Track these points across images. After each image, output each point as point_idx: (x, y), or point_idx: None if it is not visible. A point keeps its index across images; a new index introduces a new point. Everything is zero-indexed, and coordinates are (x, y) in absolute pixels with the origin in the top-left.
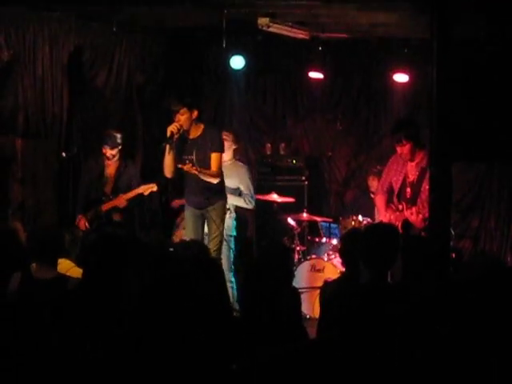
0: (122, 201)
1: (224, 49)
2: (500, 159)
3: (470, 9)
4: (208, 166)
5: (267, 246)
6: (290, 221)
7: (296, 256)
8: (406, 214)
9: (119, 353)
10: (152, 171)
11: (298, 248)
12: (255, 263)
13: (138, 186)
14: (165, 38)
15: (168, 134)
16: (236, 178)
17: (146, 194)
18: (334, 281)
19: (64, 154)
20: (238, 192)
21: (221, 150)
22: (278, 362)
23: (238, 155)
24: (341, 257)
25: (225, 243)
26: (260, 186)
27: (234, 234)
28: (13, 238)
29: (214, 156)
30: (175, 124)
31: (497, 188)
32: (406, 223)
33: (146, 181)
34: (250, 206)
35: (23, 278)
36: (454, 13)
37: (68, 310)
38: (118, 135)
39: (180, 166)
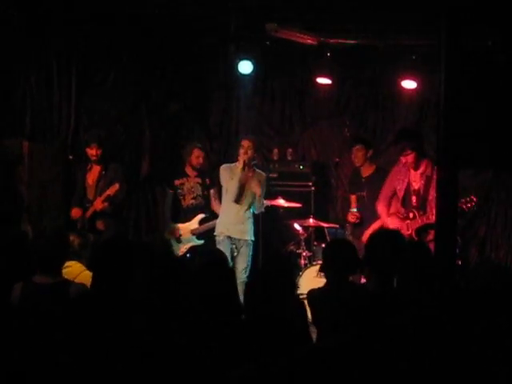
0: (98, 203)
1: (232, 54)
2: (507, 167)
3: (479, 17)
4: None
5: (270, 257)
6: (297, 226)
7: (302, 261)
8: (430, 218)
9: (126, 355)
10: (158, 174)
11: (304, 253)
12: (258, 273)
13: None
14: (173, 42)
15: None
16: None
17: (112, 194)
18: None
19: (71, 157)
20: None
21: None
22: (282, 368)
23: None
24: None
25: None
26: (266, 191)
27: (253, 238)
28: (21, 246)
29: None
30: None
31: (504, 195)
32: (420, 230)
33: (154, 184)
34: (258, 212)
35: (25, 285)
36: (463, 21)
37: (73, 315)
38: (102, 135)
39: None
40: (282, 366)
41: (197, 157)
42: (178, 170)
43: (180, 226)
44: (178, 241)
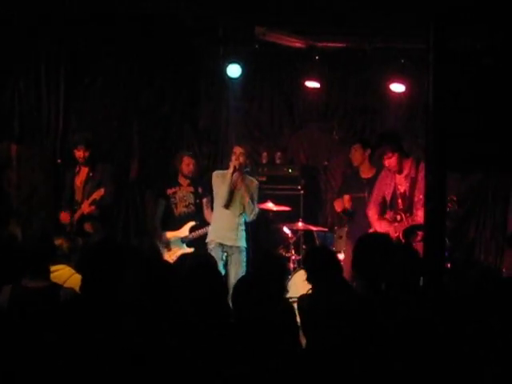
0: (85, 207)
1: (221, 57)
2: (495, 169)
3: (467, 21)
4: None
5: (260, 260)
6: (286, 230)
7: (291, 265)
8: (419, 218)
9: (116, 358)
10: (147, 177)
11: (293, 257)
12: (246, 276)
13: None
14: (162, 44)
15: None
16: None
17: (98, 198)
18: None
19: (59, 160)
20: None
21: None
22: (269, 371)
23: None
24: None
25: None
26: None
27: (245, 245)
28: (9, 249)
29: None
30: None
31: (492, 198)
32: (408, 232)
33: (143, 186)
34: (250, 219)
35: (14, 289)
36: (451, 24)
37: (63, 319)
38: (90, 137)
39: None
40: (272, 368)
41: (187, 164)
42: (171, 179)
43: (170, 233)
44: (168, 248)
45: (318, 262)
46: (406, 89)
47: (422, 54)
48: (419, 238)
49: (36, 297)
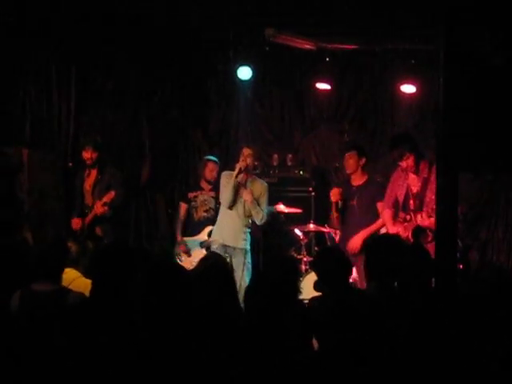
0: (98, 207)
1: (231, 59)
2: (507, 170)
3: (477, 22)
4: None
5: (272, 261)
6: (297, 231)
7: (303, 267)
8: (418, 221)
9: (125, 360)
10: (158, 181)
11: (305, 259)
12: (259, 277)
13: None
14: (172, 48)
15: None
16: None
17: (109, 201)
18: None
19: (70, 164)
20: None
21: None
22: (280, 374)
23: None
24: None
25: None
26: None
27: (248, 247)
28: (21, 254)
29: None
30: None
31: (504, 199)
32: (417, 231)
33: (154, 190)
34: (259, 222)
35: (23, 293)
36: (461, 25)
37: (73, 322)
38: (98, 139)
39: None
40: (283, 370)
41: (211, 170)
42: (192, 183)
43: (189, 238)
44: (188, 254)
45: (329, 264)
46: (417, 90)
47: (433, 55)
48: (429, 238)
49: (44, 300)
